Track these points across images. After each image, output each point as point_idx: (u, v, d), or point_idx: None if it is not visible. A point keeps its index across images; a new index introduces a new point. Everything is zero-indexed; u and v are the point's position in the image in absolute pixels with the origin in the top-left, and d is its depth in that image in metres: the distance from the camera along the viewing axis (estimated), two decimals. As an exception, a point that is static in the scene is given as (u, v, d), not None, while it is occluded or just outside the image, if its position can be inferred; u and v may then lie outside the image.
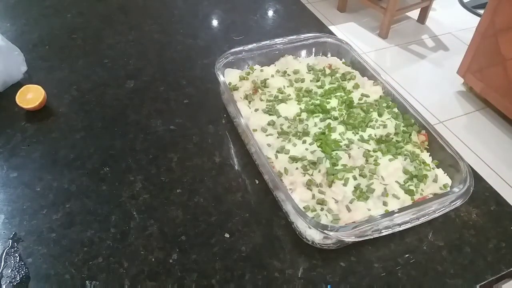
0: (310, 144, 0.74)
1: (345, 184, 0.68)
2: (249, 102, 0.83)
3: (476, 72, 2.16)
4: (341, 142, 0.75)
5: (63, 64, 1.00)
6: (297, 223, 0.66)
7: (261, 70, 0.90)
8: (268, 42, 0.90)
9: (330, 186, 0.68)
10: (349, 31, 2.79)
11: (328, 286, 0.62)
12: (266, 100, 0.83)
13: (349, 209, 0.65)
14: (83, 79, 0.96)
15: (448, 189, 0.69)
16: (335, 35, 0.98)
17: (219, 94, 0.90)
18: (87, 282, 0.61)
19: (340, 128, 0.77)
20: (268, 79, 0.87)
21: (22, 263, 0.63)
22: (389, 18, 2.63)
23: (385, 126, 0.78)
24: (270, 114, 0.80)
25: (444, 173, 0.72)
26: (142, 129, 0.85)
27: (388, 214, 0.62)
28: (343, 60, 0.94)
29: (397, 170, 0.71)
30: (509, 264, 0.66)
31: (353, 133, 0.77)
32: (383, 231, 0.60)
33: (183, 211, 0.70)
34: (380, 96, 0.84)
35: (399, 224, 0.60)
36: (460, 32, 2.82)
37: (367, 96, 0.84)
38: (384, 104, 0.82)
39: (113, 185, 0.74)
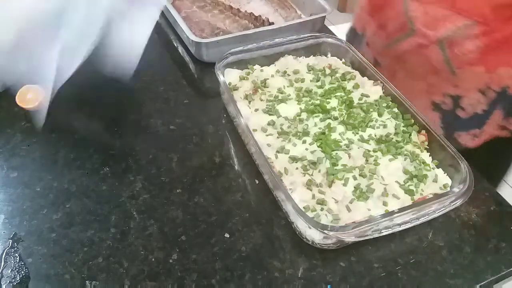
0: (310, 144, 0.74)
1: (345, 184, 0.68)
2: (249, 102, 0.83)
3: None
4: (341, 142, 0.75)
5: (63, 64, 1.00)
6: (297, 223, 0.66)
7: (261, 70, 0.90)
8: (268, 42, 0.90)
9: (330, 186, 0.68)
10: (349, 31, 2.79)
11: (328, 286, 0.62)
12: (266, 100, 0.83)
13: (349, 209, 0.65)
14: (83, 79, 0.96)
15: (448, 189, 0.69)
16: (335, 35, 0.98)
17: (219, 94, 0.90)
18: (87, 282, 0.61)
19: (340, 128, 0.77)
20: (268, 79, 0.87)
21: (22, 263, 0.63)
22: (389, 18, 2.63)
23: (385, 126, 0.78)
24: (270, 114, 0.80)
25: (444, 173, 0.72)
26: (142, 129, 0.85)
27: (388, 214, 0.62)
28: (343, 60, 0.94)
29: (397, 170, 0.71)
30: (509, 264, 0.66)
31: (353, 133, 0.77)
32: (383, 231, 0.60)
33: (183, 211, 0.70)
34: (380, 96, 0.84)
35: (399, 224, 0.60)
36: (460, 32, 2.82)
37: (367, 96, 0.84)
38: (384, 104, 0.82)
39: (113, 185, 0.74)
